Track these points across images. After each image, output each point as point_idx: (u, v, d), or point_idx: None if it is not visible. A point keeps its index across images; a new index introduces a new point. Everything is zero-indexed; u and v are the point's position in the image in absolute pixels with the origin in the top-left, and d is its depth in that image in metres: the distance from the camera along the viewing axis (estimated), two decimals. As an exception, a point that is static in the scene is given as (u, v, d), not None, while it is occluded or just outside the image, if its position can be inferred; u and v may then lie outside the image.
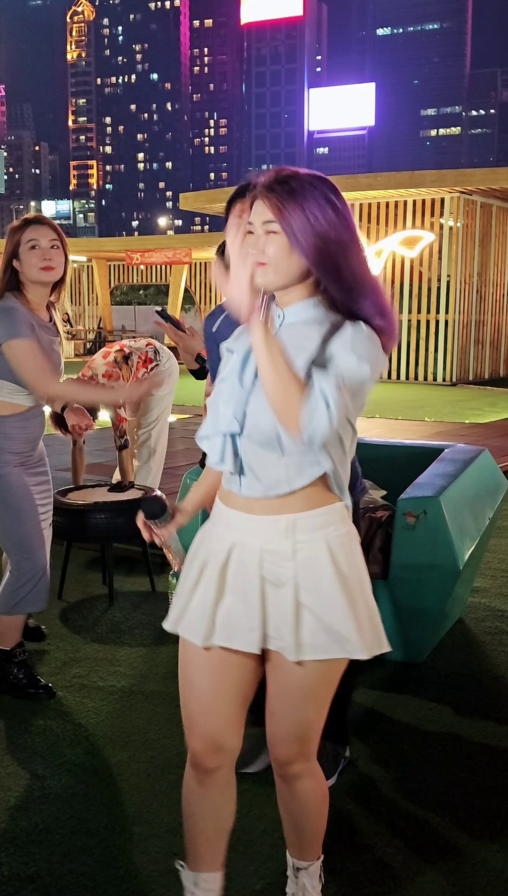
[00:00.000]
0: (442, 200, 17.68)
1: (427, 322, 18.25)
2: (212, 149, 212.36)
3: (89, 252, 29.41)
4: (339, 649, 1.75)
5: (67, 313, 29.48)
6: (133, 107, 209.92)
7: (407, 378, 18.40)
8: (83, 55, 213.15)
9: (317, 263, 1.69)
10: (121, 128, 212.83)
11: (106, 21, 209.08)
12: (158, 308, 3.71)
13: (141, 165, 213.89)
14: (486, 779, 2.77)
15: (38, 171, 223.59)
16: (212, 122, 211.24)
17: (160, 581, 4.63)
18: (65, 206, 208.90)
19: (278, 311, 1.78)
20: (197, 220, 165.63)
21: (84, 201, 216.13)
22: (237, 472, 1.77)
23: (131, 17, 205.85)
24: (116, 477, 5.62)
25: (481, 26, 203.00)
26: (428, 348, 18.24)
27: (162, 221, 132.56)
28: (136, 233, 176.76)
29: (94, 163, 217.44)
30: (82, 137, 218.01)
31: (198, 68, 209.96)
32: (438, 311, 18.05)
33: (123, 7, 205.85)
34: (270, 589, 1.76)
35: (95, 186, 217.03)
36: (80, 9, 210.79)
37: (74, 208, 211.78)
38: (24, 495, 3.18)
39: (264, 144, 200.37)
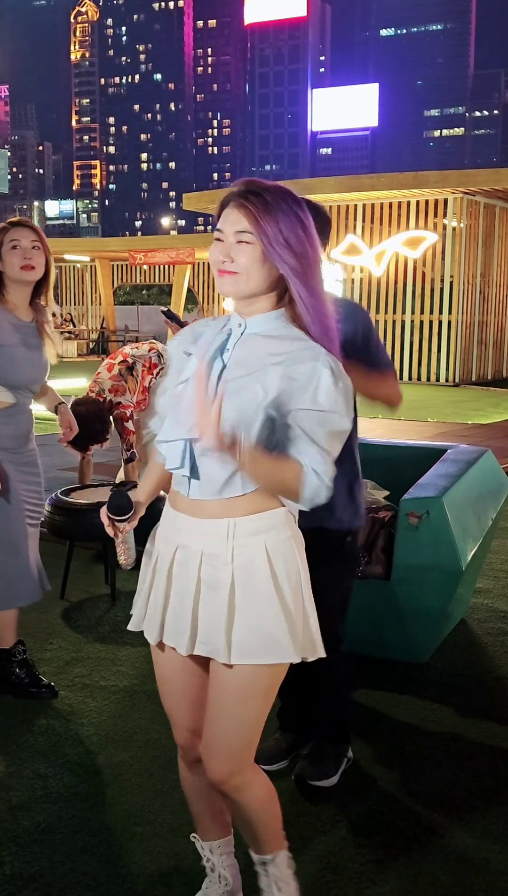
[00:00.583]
0: (445, 201, 17.67)
1: (430, 323, 18.24)
2: (215, 149, 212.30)
3: (93, 252, 29.44)
4: (269, 654, 1.77)
5: (69, 313, 29.64)
6: (136, 107, 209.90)
7: (410, 378, 18.39)
8: (87, 55, 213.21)
9: (286, 274, 1.73)
10: (124, 128, 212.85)
11: (110, 21, 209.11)
12: (164, 308, 3.73)
13: (144, 165, 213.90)
14: (488, 779, 2.77)
15: (41, 171, 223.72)
16: (215, 123, 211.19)
17: (163, 581, 4.63)
18: (68, 206, 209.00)
19: (239, 319, 1.82)
20: (200, 220, 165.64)
21: (87, 201, 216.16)
22: (192, 475, 1.79)
23: (135, 17, 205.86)
24: (120, 477, 5.63)
25: (485, 27, 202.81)
26: (431, 349, 18.23)
27: (165, 221, 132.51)
28: (139, 233, 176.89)
29: (97, 163, 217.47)
30: (86, 137, 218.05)
31: (201, 68, 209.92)
32: (441, 312, 18.05)
33: (127, 7, 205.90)
34: (205, 592, 1.80)
35: (98, 186, 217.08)
36: (83, 9, 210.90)
37: (77, 208, 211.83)
38: (6, 489, 3.20)
39: (268, 145, 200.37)
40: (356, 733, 3.02)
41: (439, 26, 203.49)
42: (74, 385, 16.67)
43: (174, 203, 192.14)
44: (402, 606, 3.47)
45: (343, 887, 2.23)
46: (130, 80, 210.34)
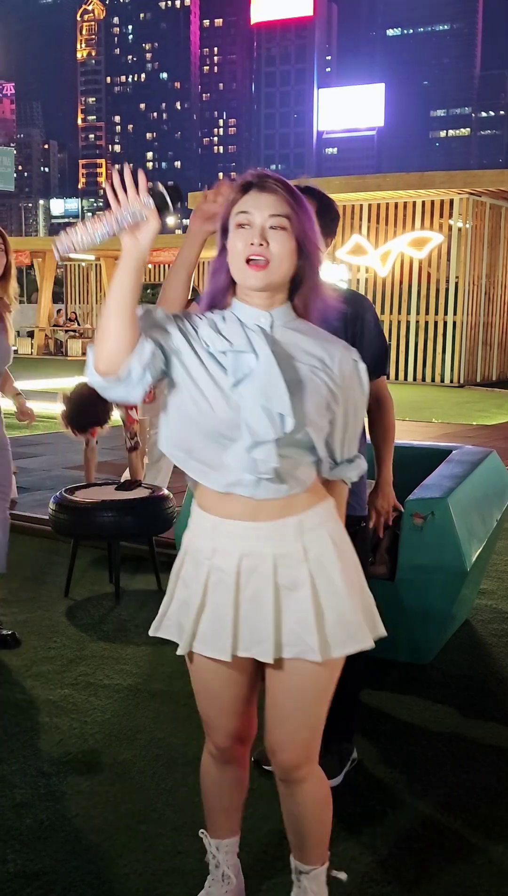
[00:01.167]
0: (451, 202, 17.66)
1: (435, 323, 18.24)
2: (221, 148, 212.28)
3: (98, 251, 29.46)
4: (356, 642, 1.78)
5: (74, 312, 29.64)
6: (142, 106, 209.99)
7: (415, 379, 18.38)
8: (93, 54, 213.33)
9: (308, 268, 1.75)
10: (130, 127, 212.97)
11: (116, 20, 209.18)
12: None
13: (150, 164, 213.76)
14: (491, 780, 2.77)
15: (46, 170, 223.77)
16: (221, 122, 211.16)
17: (166, 579, 4.63)
18: (73, 204, 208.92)
19: (259, 312, 1.76)
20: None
21: (93, 200, 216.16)
22: (268, 476, 1.71)
23: (141, 15, 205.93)
24: (126, 476, 5.63)
25: (491, 28, 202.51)
26: (436, 350, 18.22)
27: (170, 220, 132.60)
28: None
29: (103, 161, 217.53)
30: (91, 136, 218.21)
31: (208, 67, 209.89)
32: (446, 313, 18.03)
33: (134, 6, 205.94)
34: (285, 594, 1.76)
35: (103, 185, 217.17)
36: (90, 7, 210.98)
37: (82, 207, 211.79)
38: None
39: (274, 144, 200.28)
40: (360, 733, 3.02)
41: (445, 26, 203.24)
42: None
43: (180, 202, 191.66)
44: (406, 607, 3.47)
45: (346, 887, 2.23)
46: (136, 79, 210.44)
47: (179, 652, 1.86)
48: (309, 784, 1.91)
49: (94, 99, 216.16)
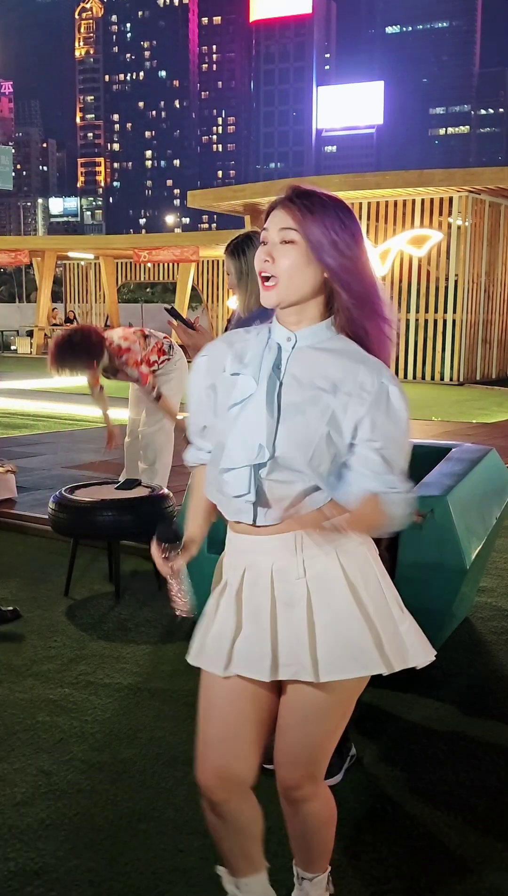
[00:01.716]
0: (451, 199, 17.65)
1: (435, 321, 18.23)
2: (220, 146, 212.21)
3: (97, 249, 29.47)
4: (358, 666, 1.69)
5: (72, 311, 29.64)
6: (141, 104, 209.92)
7: (414, 377, 18.39)
8: (91, 52, 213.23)
9: (335, 280, 1.67)
10: (129, 125, 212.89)
11: (114, 18, 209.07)
12: (168, 306, 3.71)
13: (149, 163, 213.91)
14: (491, 778, 2.78)
15: (45, 168, 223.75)
16: (220, 120, 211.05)
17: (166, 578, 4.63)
18: (72, 203, 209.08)
19: (287, 332, 1.72)
20: (205, 217, 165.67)
21: (91, 198, 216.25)
22: (258, 503, 1.69)
23: (140, 13, 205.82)
24: (123, 476, 5.62)
25: (490, 25, 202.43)
26: (436, 348, 18.22)
27: (169, 219, 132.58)
28: (143, 230, 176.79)
29: (101, 160, 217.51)
30: (90, 134, 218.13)
31: (206, 66, 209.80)
32: (446, 311, 18.03)
33: (132, 4, 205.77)
34: (282, 610, 1.71)
35: (102, 184, 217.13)
36: (88, 5, 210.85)
37: (81, 205, 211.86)
38: None
39: (273, 142, 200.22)
40: (360, 731, 3.02)
41: (444, 24, 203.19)
42: (79, 382, 16.70)
43: (179, 201, 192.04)
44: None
45: (347, 885, 2.24)
46: (134, 77, 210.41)
47: (189, 659, 1.85)
48: (313, 804, 1.86)
49: (92, 97, 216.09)
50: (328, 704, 1.75)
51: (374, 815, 2.57)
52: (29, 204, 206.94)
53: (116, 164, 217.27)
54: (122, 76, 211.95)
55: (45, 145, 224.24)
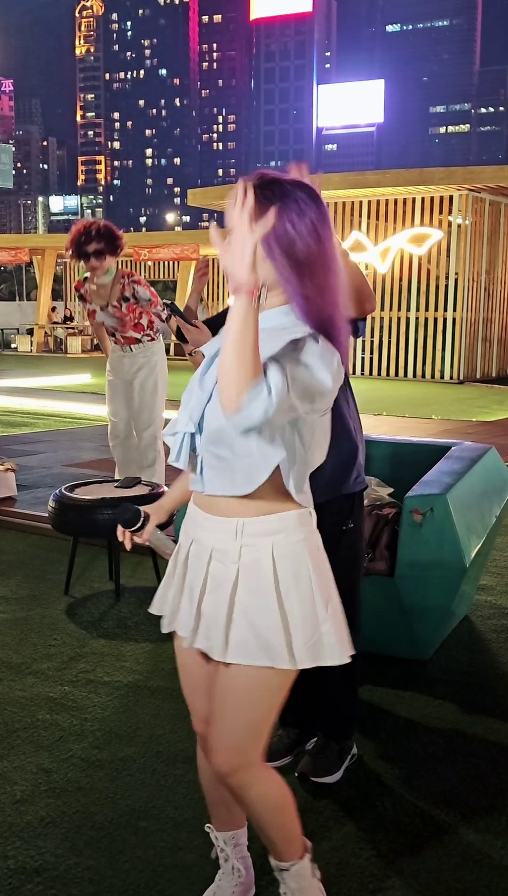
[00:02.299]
0: (451, 198, 17.64)
1: (435, 320, 18.23)
2: (220, 145, 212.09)
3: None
4: (264, 656, 1.75)
5: (68, 309, 29.58)
6: (141, 102, 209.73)
7: (415, 376, 18.38)
8: (92, 50, 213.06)
9: (283, 273, 1.70)
10: (129, 123, 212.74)
11: (115, 16, 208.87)
12: (168, 301, 3.69)
13: (149, 161, 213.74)
14: (491, 776, 2.78)
15: (45, 167, 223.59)
16: (220, 118, 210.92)
17: (166, 577, 4.64)
18: (72, 201, 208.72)
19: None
20: (205, 216, 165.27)
21: (92, 197, 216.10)
22: (196, 471, 1.81)
23: (140, 12, 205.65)
24: (118, 475, 5.62)
25: (491, 23, 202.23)
26: (436, 346, 18.21)
27: (170, 217, 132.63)
28: (144, 229, 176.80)
29: (102, 158, 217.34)
30: (90, 133, 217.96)
31: (207, 64, 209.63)
32: (446, 309, 18.02)
33: (132, 2, 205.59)
34: (211, 588, 1.81)
35: (102, 182, 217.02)
36: (89, 4, 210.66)
37: (81, 204, 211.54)
38: None
39: (273, 141, 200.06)
40: (360, 730, 3.02)
41: (445, 22, 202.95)
42: (79, 381, 16.70)
43: (179, 199, 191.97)
44: (406, 603, 3.47)
45: (347, 883, 2.24)
46: (135, 76, 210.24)
47: (151, 609, 2.03)
48: (256, 790, 1.86)
49: (93, 95, 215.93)
50: (248, 688, 1.81)
51: (373, 813, 2.57)
52: (29, 202, 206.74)
53: (116, 163, 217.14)
54: (122, 74, 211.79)
55: (45, 143, 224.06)
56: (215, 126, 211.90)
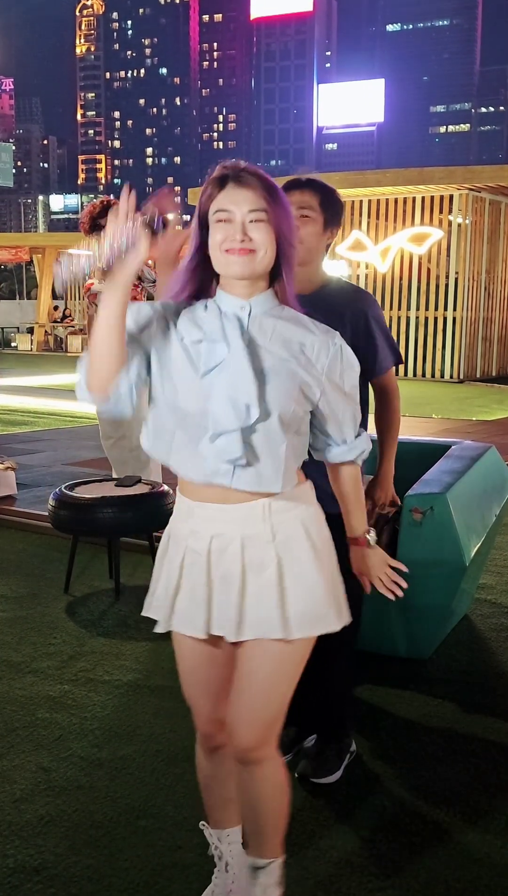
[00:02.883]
0: (451, 197, 17.63)
1: (435, 319, 18.21)
2: (221, 144, 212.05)
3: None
4: (322, 624, 1.82)
5: (68, 308, 29.57)
6: (142, 101, 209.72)
7: (415, 375, 18.37)
8: (92, 49, 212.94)
9: (286, 256, 1.79)
10: (130, 122, 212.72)
11: (115, 15, 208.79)
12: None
13: (149, 160, 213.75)
14: (490, 775, 2.78)
15: (46, 165, 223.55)
16: (221, 118, 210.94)
17: (166, 576, 4.63)
18: (73, 200, 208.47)
19: (239, 301, 1.80)
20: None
21: (92, 195, 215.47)
22: (244, 465, 1.76)
23: (141, 11, 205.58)
24: (115, 474, 5.61)
25: (491, 23, 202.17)
26: (436, 345, 18.20)
27: (170, 216, 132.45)
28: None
29: (102, 157, 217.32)
30: (91, 132, 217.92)
31: (207, 63, 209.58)
32: (446, 308, 18.01)
33: (133, 1, 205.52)
34: (252, 575, 1.80)
35: (103, 181, 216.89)
36: (89, 2, 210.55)
37: (82, 202, 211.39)
38: None
39: (273, 140, 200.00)
40: (359, 729, 3.02)
41: (445, 22, 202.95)
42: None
43: (179, 198, 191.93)
44: (405, 602, 3.46)
45: (346, 882, 2.24)
46: (135, 75, 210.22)
47: (157, 629, 1.92)
48: (267, 767, 1.90)
49: (93, 94, 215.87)
50: (287, 663, 1.84)
51: (372, 812, 2.57)
52: (29, 201, 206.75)
53: (116, 162, 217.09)
54: (122, 73, 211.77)
55: (45, 142, 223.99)
56: (215, 125, 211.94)
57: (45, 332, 28.30)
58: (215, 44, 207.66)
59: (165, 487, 4.62)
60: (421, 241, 17.93)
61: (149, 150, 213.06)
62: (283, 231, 1.75)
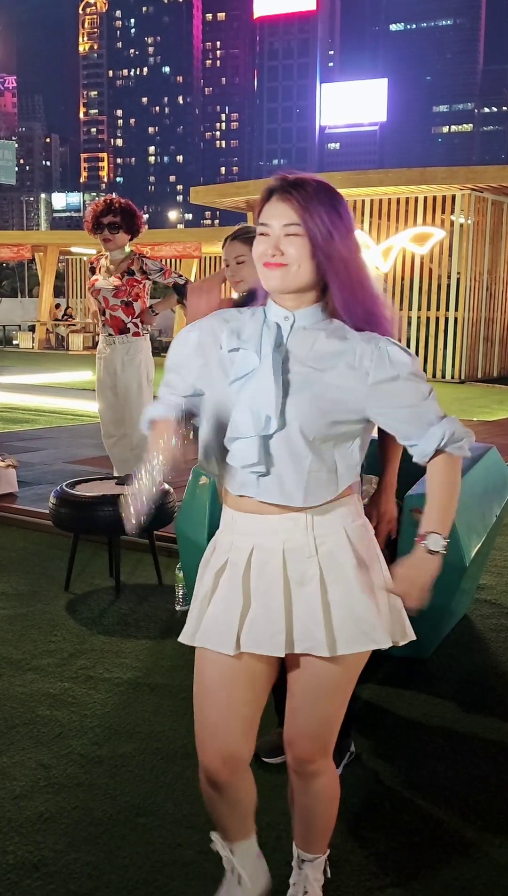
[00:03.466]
0: (453, 197, 17.63)
1: (437, 319, 18.22)
2: (223, 143, 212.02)
3: (98, 245, 29.35)
4: (368, 640, 1.77)
5: (70, 307, 29.59)
6: (145, 100, 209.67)
7: (416, 375, 18.35)
8: (95, 47, 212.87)
9: (330, 268, 1.71)
10: (132, 120, 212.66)
11: (118, 13, 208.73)
12: (180, 278, 3.59)
13: (152, 159, 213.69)
14: (490, 774, 2.78)
15: (48, 163, 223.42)
16: (223, 116, 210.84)
17: (167, 574, 4.64)
18: (75, 198, 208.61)
19: (284, 312, 1.77)
20: (207, 214, 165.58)
21: (95, 194, 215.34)
22: (263, 473, 1.74)
23: (144, 9, 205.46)
24: (116, 472, 5.62)
25: (494, 23, 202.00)
26: (437, 345, 18.21)
27: (172, 215, 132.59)
28: (146, 226, 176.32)
29: (105, 155, 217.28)
30: (93, 130, 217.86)
31: (210, 62, 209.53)
32: (447, 309, 18.02)
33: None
34: (295, 588, 1.76)
35: (105, 179, 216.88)
36: (92, 0, 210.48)
37: (84, 201, 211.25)
38: None
39: (276, 139, 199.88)
40: (359, 728, 3.03)
41: (448, 21, 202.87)
42: (80, 378, 16.69)
43: (181, 197, 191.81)
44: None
45: (345, 880, 2.24)
46: (138, 73, 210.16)
47: (182, 639, 1.86)
48: (323, 779, 1.92)
49: (96, 92, 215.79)
50: (339, 678, 1.82)
51: (372, 810, 2.58)
52: (32, 199, 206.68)
53: (119, 160, 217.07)
54: (125, 72, 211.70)
55: (48, 140, 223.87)
56: (217, 124, 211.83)
57: (47, 330, 28.31)
58: (218, 42, 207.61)
59: (166, 486, 4.63)
60: (423, 241, 17.94)
61: (151, 149, 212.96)
62: (320, 242, 1.68)
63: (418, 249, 18.02)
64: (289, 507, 1.75)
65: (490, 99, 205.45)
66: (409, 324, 18.39)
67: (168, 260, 28.29)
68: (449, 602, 3.55)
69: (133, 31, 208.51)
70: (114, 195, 5.68)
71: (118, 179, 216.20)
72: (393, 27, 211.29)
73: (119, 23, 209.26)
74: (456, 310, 17.93)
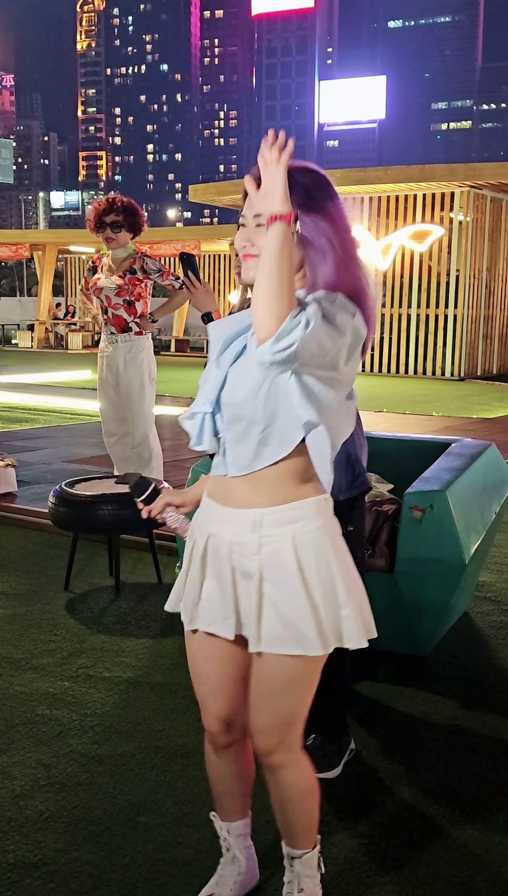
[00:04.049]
0: (452, 195, 17.62)
1: (436, 317, 18.21)
2: (222, 141, 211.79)
3: (98, 243, 29.29)
4: (296, 645, 1.77)
5: (71, 305, 29.61)
6: (143, 97, 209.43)
7: (415, 373, 18.37)
8: (93, 45, 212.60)
9: (315, 257, 1.70)
10: (130, 119, 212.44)
11: (116, 11, 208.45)
12: (185, 252, 3.58)
13: (150, 157, 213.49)
14: (489, 772, 2.78)
15: (46, 162, 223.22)
16: (222, 114, 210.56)
17: (167, 573, 4.65)
18: (73, 196, 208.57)
19: None
20: (206, 212, 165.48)
21: (93, 192, 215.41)
22: (219, 452, 1.82)
23: (142, 7, 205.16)
24: (116, 471, 5.62)
25: (493, 20, 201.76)
26: (437, 343, 18.20)
27: (171, 213, 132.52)
28: (147, 224, 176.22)
29: (103, 154, 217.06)
30: (92, 128, 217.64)
31: (208, 59, 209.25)
32: (447, 306, 18.01)
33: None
34: (240, 579, 1.82)
35: (104, 177, 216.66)
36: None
37: (82, 199, 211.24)
38: None
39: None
40: (359, 726, 3.03)
41: (447, 18, 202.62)
42: (79, 377, 16.69)
43: (180, 195, 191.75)
44: (405, 599, 3.48)
45: (345, 877, 2.25)
46: (136, 71, 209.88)
47: (166, 608, 2.00)
48: (289, 771, 1.92)
49: (94, 90, 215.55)
50: (289, 674, 1.83)
51: (372, 808, 2.58)
52: (30, 197, 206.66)
53: (117, 158, 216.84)
54: (123, 69, 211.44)
55: (46, 139, 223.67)
56: (216, 122, 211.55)
57: (46, 329, 28.30)
58: (216, 40, 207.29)
59: (166, 485, 4.62)
60: (422, 238, 17.93)
61: (150, 147, 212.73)
62: (305, 230, 1.70)
63: (417, 247, 18.01)
64: (244, 499, 1.78)
65: (488, 96, 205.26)
66: (408, 321, 18.38)
67: (167, 259, 28.32)
68: (449, 599, 3.55)
69: (131, 28, 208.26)
70: (116, 194, 5.67)
71: (117, 178, 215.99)
72: (392, 24, 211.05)
73: (117, 20, 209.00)
74: (456, 307, 17.92)
